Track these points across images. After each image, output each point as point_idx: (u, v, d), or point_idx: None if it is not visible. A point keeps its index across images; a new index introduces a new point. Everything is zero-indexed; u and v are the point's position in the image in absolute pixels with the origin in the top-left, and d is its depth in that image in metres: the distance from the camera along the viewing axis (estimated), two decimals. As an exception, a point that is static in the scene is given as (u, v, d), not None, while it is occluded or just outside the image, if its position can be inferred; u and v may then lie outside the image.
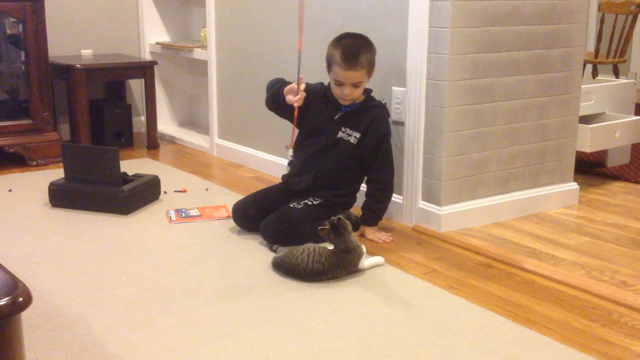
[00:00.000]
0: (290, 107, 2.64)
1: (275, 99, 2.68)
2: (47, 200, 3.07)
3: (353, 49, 2.55)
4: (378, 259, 2.41)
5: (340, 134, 2.67)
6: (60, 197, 3.03)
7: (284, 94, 2.63)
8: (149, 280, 2.27)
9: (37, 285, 2.21)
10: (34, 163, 3.80)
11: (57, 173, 3.46)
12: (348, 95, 2.59)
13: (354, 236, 2.31)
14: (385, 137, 2.65)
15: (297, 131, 2.75)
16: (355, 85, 2.58)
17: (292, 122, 2.72)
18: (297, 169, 2.73)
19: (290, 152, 2.73)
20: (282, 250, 2.40)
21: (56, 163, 3.76)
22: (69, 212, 2.98)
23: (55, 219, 2.90)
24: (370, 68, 2.59)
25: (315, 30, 3.19)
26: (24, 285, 1.20)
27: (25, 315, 1.25)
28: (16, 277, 1.24)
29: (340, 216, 2.26)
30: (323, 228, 2.27)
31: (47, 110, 3.83)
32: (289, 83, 2.64)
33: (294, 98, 2.59)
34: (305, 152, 2.72)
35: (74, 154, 3.05)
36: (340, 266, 2.26)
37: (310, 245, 2.30)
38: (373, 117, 2.64)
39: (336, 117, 2.68)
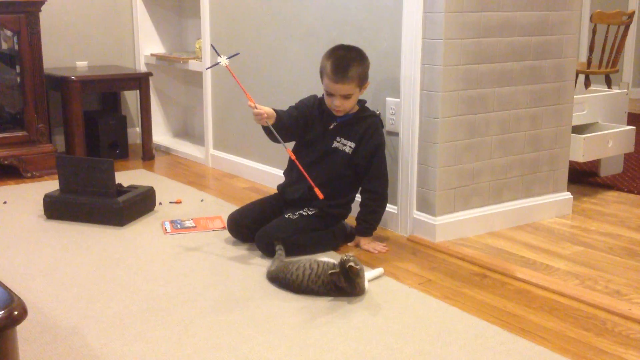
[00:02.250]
0: (288, 129, 2.62)
1: (266, 132, 2.63)
2: (42, 212, 3.07)
3: (343, 62, 2.56)
4: (378, 272, 2.38)
5: (335, 144, 2.68)
6: (55, 208, 3.03)
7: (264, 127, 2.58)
8: (144, 292, 2.27)
9: (32, 298, 2.21)
10: (29, 175, 3.80)
11: (52, 185, 3.46)
12: (338, 106, 2.61)
13: (363, 280, 2.23)
14: (379, 147, 2.67)
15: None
16: (346, 97, 2.59)
17: (295, 139, 2.72)
18: (293, 178, 2.74)
19: (223, 60, 2.53)
20: (282, 251, 2.41)
21: (51, 175, 3.76)
22: (64, 224, 2.97)
23: (50, 231, 2.90)
24: (361, 81, 2.60)
25: (310, 41, 3.21)
26: (19, 298, 1.21)
27: (20, 328, 1.25)
28: (11, 291, 1.24)
29: (352, 264, 2.16)
30: (334, 272, 2.18)
31: (42, 121, 3.83)
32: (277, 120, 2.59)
33: (256, 119, 2.53)
34: (301, 162, 2.72)
35: (68, 165, 3.05)
36: (334, 293, 2.23)
37: (307, 262, 2.27)
38: (367, 126, 2.66)
39: (331, 127, 2.69)
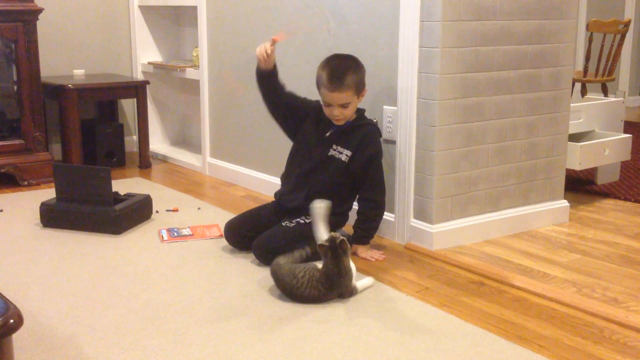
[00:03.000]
0: (286, 108, 2.71)
1: (261, 83, 2.70)
2: (39, 221, 3.06)
3: (339, 71, 2.57)
4: (368, 281, 2.39)
5: (331, 152, 2.68)
6: (51, 217, 3.02)
7: (259, 68, 2.66)
8: (141, 301, 2.26)
9: (28, 306, 2.20)
10: (26, 183, 3.79)
11: (48, 193, 3.45)
12: (337, 115, 2.61)
13: (349, 260, 2.27)
14: (375, 156, 2.66)
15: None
16: (344, 106, 2.59)
17: (288, 131, 2.78)
18: (290, 186, 2.74)
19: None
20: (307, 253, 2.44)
21: (47, 183, 3.76)
22: (61, 232, 2.97)
23: (46, 239, 2.89)
24: (358, 89, 2.61)
25: (307, 50, 3.22)
26: (15, 307, 1.20)
27: (16, 337, 1.25)
28: (7, 299, 1.24)
29: (344, 238, 2.22)
30: (323, 245, 2.23)
31: (39, 130, 3.83)
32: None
33: (257, 52, 2.60)
34: (298, 170, 2.73)
35: (65, 173, 3.04)
36: (334, 289, 2.25)
37: (311, 268, 2.27)
38: (364, 135, 2.66)
39: (327, 134, 2.70)
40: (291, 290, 2.25)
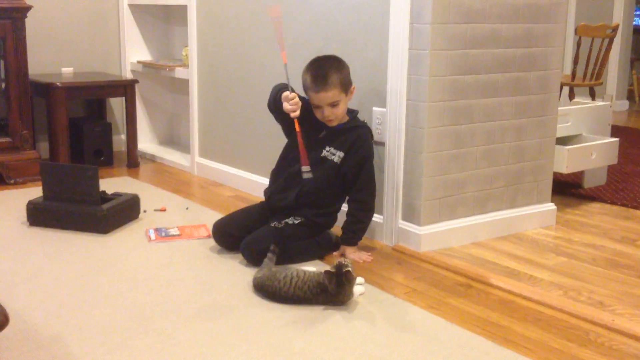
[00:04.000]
0: (288, 116, 2.62)
1: (277, 103, 2.64)
2: (25, 219, 3.04)
3: (322, 71, 2.57)
4: (360, 289, 2.35)
5: (324, 153, 2.68)
6: (38, 216, 3.00)
7: (281, 100, 2.60)
8: (128, 300, 2.25)
9: (14, 306, 2.19)
10: (12, 181, 3.77)
11: (35, 192, 3.43)
12: (329, 116, 2.61)
13: (352, 289, 2.24)
14: (367, 158, 2.67)
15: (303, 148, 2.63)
16: (333, 105, 2.60)
17: (286, 130, 2.74)
18: (280, 186, 2.73)
19: (306, 169, 2.61)
20: (274, 257, 2.42)
21: (35, 182, 3.73)
22: (47, 231, 2.95)
23: (33, 238, 2.87)
24: (343, 86, 2.60)
25: (297, 51, 3.22)
26: (0, 306, 1.20)
27: (1, 336, 1.24)
28: (-6, 298, 1.23)
29: (350, 269, 2.18)
30: (328, 272, 2.19)
31: (26, 128, 3.81)
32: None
33: (289, 107, 2.55)
34: (289, 169, 2.72)
35: (52, 172, 3.03)
36: (321, 299, 2.23)
37: (293, 271, 2.27)
38: (357, 137, 2.66)
39: (320, 135, 2.70)
40: (274, 293, 2.25)
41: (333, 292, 2.20)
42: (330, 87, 2.56)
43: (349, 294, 2.23)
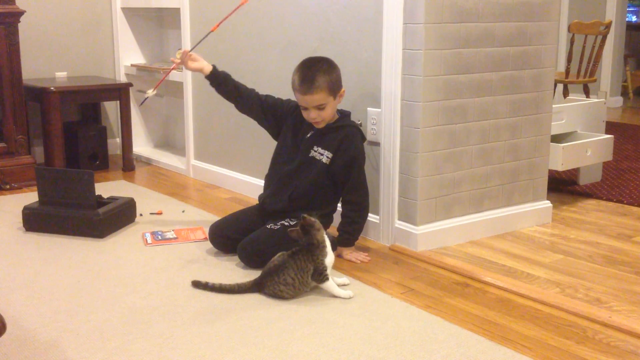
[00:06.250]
0: (256, 104, 2.78)
1: (218, 90, 2.83)
2: (21, 225, 3.04)
3: (310, 73, 2.57)
4: (346, 293, 2.34)
5: (312, 153, 2.68)
6: (34, 221, 3.00)
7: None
8: (125, 305, 2.25)
9: (11, 311, 2.18)
10: (8, 187, 3.76)
11: (31, 197, 3.43)
12: (315, 118, 2.61)
13: (322, 233, 2.33)
14: (356, 158, 2.65)
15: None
16: (320, 108, 2.59)
17: (273, 133, 2.82)
18: (273, 189, 2.73)
19: (150, 92, 2.80)
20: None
21: (30, 186, 3.72)
22: (43, 236, 2.95)
23: (29, 244, 2.87)
24: (332, 90, 2.59)
25: (291, 52, 3.22)
26: (-2, 312, 1.19)
27: (-1, 343, 1.24)
28: (-10, 305, 1.23)
29: (304, 215, 2.30)
30: (293, 229, 2.32)
31: (21, 133, 3.80)
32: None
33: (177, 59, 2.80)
34: (280, 171, 2.72)
35: (48, 177, 3.02)
36: (310, 267, 2.29)
37: (292, 273, 2.29)
38: (344, 136, 2.65)
39: (308, 135, 2.70)
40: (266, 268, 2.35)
41: (305, 244, 2.29)
42: (317, 90, 2.55)
43: (321, 240, 2.30)
